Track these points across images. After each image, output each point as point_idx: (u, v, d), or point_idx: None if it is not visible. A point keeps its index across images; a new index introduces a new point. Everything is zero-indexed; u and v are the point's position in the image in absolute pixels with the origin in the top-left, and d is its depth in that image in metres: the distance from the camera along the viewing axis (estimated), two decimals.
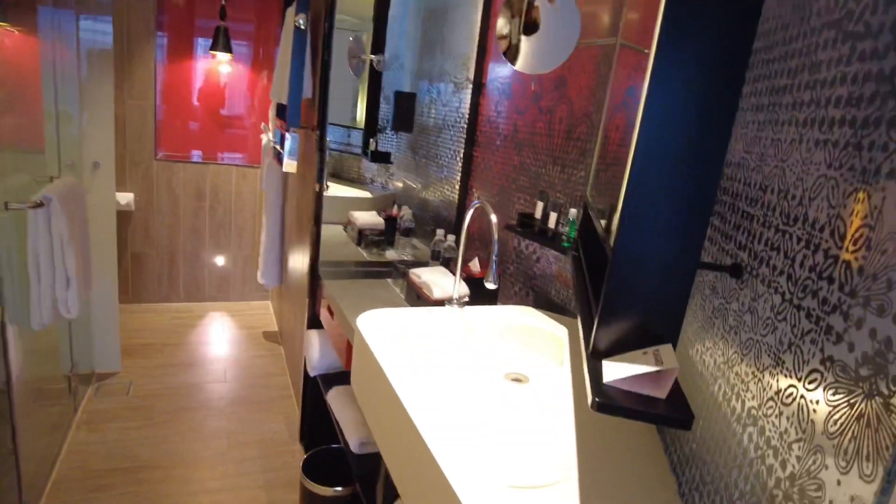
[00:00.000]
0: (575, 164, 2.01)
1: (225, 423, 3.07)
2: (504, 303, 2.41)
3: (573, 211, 1.74)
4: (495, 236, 1.44)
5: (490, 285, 1.56)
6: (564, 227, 1.74)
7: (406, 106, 2.92)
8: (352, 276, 2.52)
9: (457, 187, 2.81)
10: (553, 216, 1.82)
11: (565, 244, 1.74)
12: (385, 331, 1.54)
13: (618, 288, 0.94)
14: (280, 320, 4.13)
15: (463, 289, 1.92)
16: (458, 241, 1.93)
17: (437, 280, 2.13)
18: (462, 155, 2.76)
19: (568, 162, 2.05)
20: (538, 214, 1.89)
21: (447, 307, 1.72)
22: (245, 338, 4.13)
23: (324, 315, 2.47)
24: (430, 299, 2.06)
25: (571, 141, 2.04)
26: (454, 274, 2.24)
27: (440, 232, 2.52)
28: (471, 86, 2.67)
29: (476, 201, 1.66)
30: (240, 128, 4.64)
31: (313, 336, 2.51)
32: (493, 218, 1.45)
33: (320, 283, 2.51)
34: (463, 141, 2.74)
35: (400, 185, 3.45)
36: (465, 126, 2.72)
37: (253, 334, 4.20)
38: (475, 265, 2.26)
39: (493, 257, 1.47)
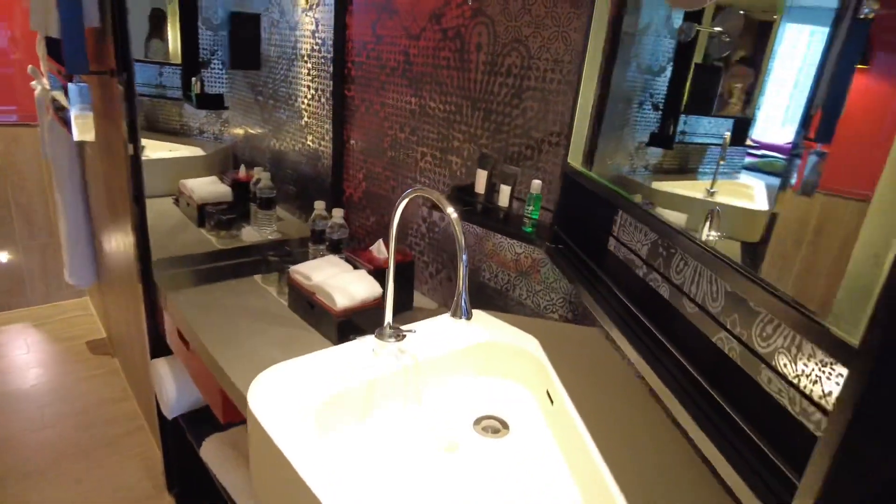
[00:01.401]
0: (506, 110, 1.50)
1: (57, 489, 2.27)
2: (419, 292, 1.91)
3: (536, 183, 1.26)
4: (460, 240, 0.92)
5: (460, 320, 1.05)
6: (529, 206, 1.26)
7: (249, 34, 2.13)
8: (202, 278, 1.83)
9: (327, 138, 2.16)
10: (504, 190, 1.32)
11: (528, 229, 1.27)
12: (295, 408, 0.98)
13: None
14: (108, 323, 3.20)
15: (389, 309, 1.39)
16: (389, 241, 1.36)
17: (337, 281, 1.55)
18: (329, 94, 2.09)
19: (495, 107, 1.53)
20: (480, 188, 1.38)
21: (375, 340, 1.19)
22: (63, 354, 3.13)
23: (174, 341, 1.78)
24: (334, 310, 1.50)
25: (497, 77, 1.51)
26: (351, 263, 1.68)
27: (319, 205, 1.90)
28: (332, 0, 1.97)
29: (412, 188, 1.11)
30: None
31: (162, 368, 1.82)
32: (451, 212, 0.92)
33: (159, 294, 1.81)
34: (329, 76, 2.07)
35: (240, 132, 2.68)
36: (330, 56, 2.04)
37: (73, 347, 3.19)
38: (379, 250, 1.72)
39: (461, 281, 0.94)
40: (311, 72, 2.15)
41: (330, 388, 1.04)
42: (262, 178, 2.15)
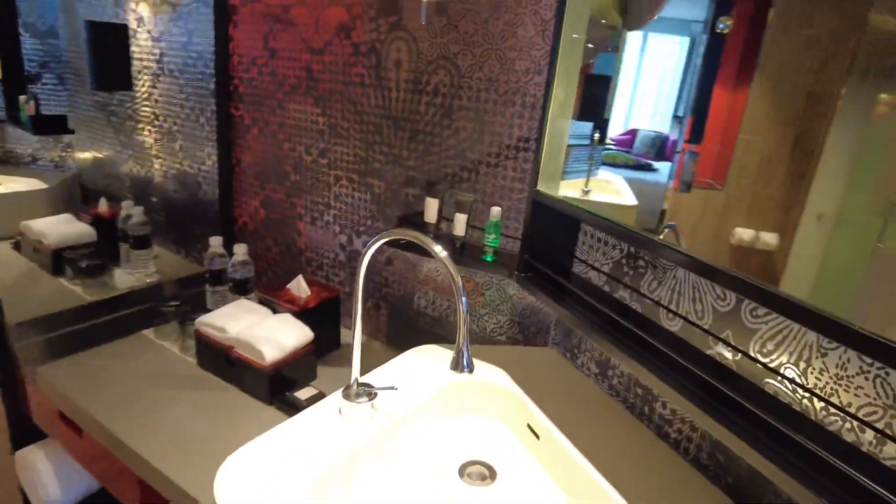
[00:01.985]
0: (435, 130, 1.42)
1: None
2: (343, 326, 1.76)
3: (496, 210, 1.19)
4: (458, 284, 0.81)
5: (462, 374, 0.95)
6: (489, 234, 1.18)
7: (113, 47, 1.79)
8: (79, 342, 1.50)
9: (209, 163, 1.90)
10: (460, 218, 1.24)
11: (488, 258, 1.20)
12: None
13: None
14: None
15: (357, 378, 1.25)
16: (356, 289, 1.22)
17: (259, 331, 1.36)
18: (211, 114, 1.85)
19: (422, 127, 1.44)
20: (431, 216, 1.28)
21: (342, 401, 1.05)
22: None
23: (51, 424, 1.44)
24: (262, 365, 1.31)
25: (422, 96, 1.43)
26: (268, 306, 1.49)
27: (216, 241, 1.66)
28: (208, 8, 1.74)
29: (388, 231, 0.99)
30: None
31: (36, 459, 1.46)
32: (440, 252, 0.82)
33: (21, 368, 1.45)
34: (209, 93, 1.83)
35: (87, 158, 2.29)
36: (210, 71, 1.80)
37: None
38: (300, 287, 1.54)
39: (461, 330, 0.83)
40: (186, 89, 1.89)
41: (308, 473, 0.89)
42: (133, 213, 1.84)
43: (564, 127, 1.03)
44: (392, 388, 1.02)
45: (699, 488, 0.93)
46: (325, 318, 1.56)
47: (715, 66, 0.91)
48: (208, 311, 1.54)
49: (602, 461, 0.94)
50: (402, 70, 1.44)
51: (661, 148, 1.04)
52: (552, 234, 1.11)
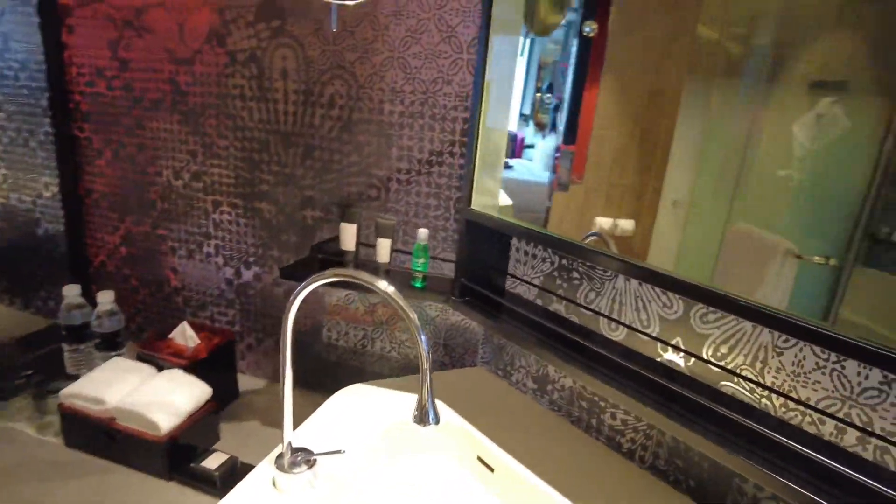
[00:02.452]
0: (333, 146, 1.29)
1: None
2: (238, 371, 1.55)
3: (423, 232, 1.09)
4: (414, 320, 0.70)
5: (428, 425, 0.83)
6: (418, 259, 1.07)
7: None
8: None
9: (47, 195, 1.58)
10: (383, 244, 1.11)
11: (418, 284, 1.09)
12: None
13: None
14: None
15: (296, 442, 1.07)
16: (284, 335, 1.03)
17: (146, 395, 1.13)
18: (45, 136, 1.53)
19: (318, 142, 1.30)
20: (349, 244, 1.14)
21: (275, 472, 0.89)
22: None
23: None
24: (157, 436, 1.09)
25: (316, 108, 1.29)
26: (149, 362, 1.27)
27: (72, 291, 1.38)
28: (28, 7, 1.43)
29: (318, 274, 0.85)
30: None
31: None
32: (386, 287, 0.70)
33: None
34: (41, 112, 1.51)
35: None
36: (38, 85, 1.49)
37: None
38: (185, 335, 1.31)
39: (424, 377, 0.72)
40: (5, 106, 1.55)
41: None
42: None
43: (500, 140, 0.97)
44: (338, 451, 0.89)
45: (662, 494, 0.93)
46: (219, 366, 1.36)
47: (583, 69, 0.93)
48: (69, 377, 1.27)
49: (563, 483, 0.90)
50: (289, 80, 1.29)
51: (512, 147, 1.04)
52: (485, 252, 1.05)
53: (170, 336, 1.34)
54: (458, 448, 1.07)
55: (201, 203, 1.46)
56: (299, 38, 1.26)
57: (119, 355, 1.32)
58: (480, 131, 0.94)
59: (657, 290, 0.94)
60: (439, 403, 1.08)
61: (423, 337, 0.75)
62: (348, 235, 1.09)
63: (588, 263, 0.99)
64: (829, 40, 0.76)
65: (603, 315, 1.01)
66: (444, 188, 1.23)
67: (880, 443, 0.70)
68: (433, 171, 1.23)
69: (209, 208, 1.45)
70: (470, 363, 1.31)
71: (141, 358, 1.29)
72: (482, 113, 0.92)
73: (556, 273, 1.07)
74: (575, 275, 1.06)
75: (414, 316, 0.75)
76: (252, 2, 1.27)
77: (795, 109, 0.78)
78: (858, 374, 0.73)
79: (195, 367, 1.25)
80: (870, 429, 0.71)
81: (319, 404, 1.10)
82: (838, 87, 0.75)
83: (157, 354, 1.28)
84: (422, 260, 1.06)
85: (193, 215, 1.48)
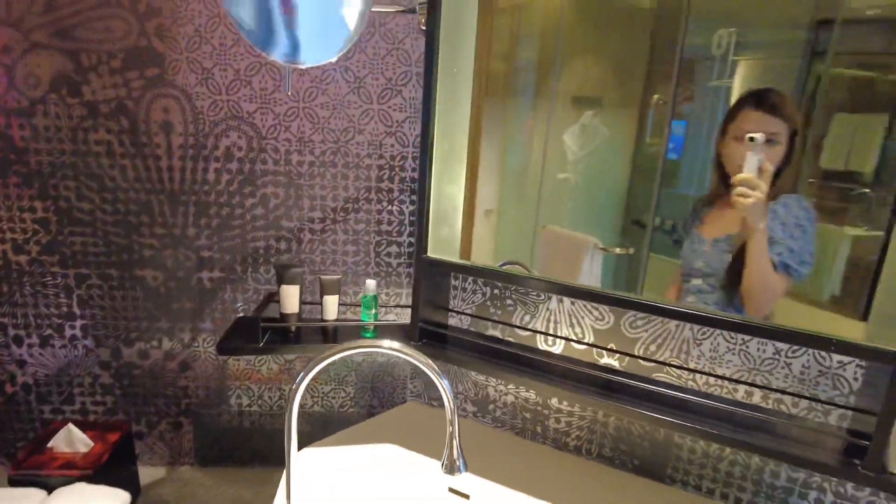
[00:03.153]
0: (234, 201, 1.19)
1: None
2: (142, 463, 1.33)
3: (371, 283, 1.06)
4: (450, 406, 0.72)
5: (458, 474, 0.82)
6: (369, 310, 1.03)
7: None
8: None
9: None
10: (331, 301, 1.05)
11: (369, 334, 1.07)
12: None
13: None
14: None
15: None
16: (289, 430, 0.91)
17: None
18: None
19: (214, 198, 1.19)
20: (291, 307, 1.04)
21: None
22: None
23: None
24: None
25: (210, 162, 1.18)
26: (35, 484, 1.06)
27: None
28: None
29: (322, 358, 0.81)
30: None
31: None
32: (444, 384, 0.70)
33: None
34: None
35: None
36: None
37: None
38: (70, 441, 1.08)
39: (453, 429, 0.73)
40: None
41: None
42: None
43: (455, 192, 1.02)
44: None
45: (612, 477, 1.09)
46: (122, 465, 1.16)
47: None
48: None
49: (536, 489, 1.01)
50: (174, 134, 1.17)
51: None
52: (431, 292, 1.10)
53: (49, 446, 1.11)
54: (427, 486, 1.10)
55: (53, 281, 1.22)
56: (184, 87, 1.14)
57: None
58: (433, 183, 0.99)
59: (590, 305, 1.09)
60: (390, 447, 1.10)
61: (449, 396, 0.78)
62: (291, 298, 1.03)
63: (513, 287, 1.10)
64: (583, 64, 1.00)
65: (539, 332, 1.14)
66: (362, 234, 1.24)
67: (776, 395, 0.94)
68: (349, 217, 1.23)
69: (71, 284, 1.22)
70: (399, 400, 1.34)
71: (17, 482, 1.04)
72: (432, 162, 0.98)
73: (488, 302, 1.17)
74: (509, 301, 1.17)
75: (446, 383, 0.78)
76: (118, 46, 1.12)
77: (564, 121, 0.99)
78: (758, 349, 0.96)
79: (100, 474, 1.06)
80: (770, 387, 0.96)
81: (235, 480, 1.04)
82: (594, 102, 1.00)
83: (40, 472, 1.05)
84: (373, 311, 1.06)
85: (46, 295, 1.23)
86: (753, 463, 0.99)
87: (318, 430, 1.36)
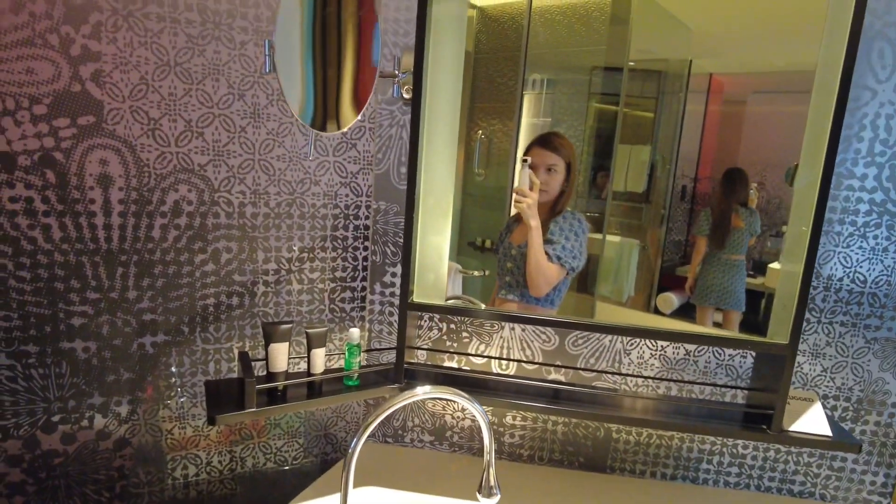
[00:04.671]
0: (181, 258, 1.11)
1: None
2: None
3: (354, 332, 1.05)
4: (486, 433, 0.79)
5: (495, 496, 0.87)
6: (352, 358, 1.02)
7: None
8: None
9: None
10: (318, 354, 1.02)
11: (353, 382, 1.07)
12: None
13: None
14: None
15: None
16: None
17: None
18: None
19: (159, 256, 1.09)
20: (280, 364, 0.98)
21: None
22: None
23: None
24: None
25: (155, 219, 1.08)
26: None
27: None
28: None
29: (373, 418, 0.83)
30: None
31: None
32: (479, 411, 0.77)
33: None
34: None
35: None
36: None
37: None
38: None
39: (491, 467, 0.79)
40: None
41: None
42: None
43: (441, 242, 1.10)
44: None
45: (563, 476, 1.28)
46: None
47: None
48: None
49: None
50: (114, 188, 1.05)
51: None
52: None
53: None
54: None
55: None
56: (126, 138, 1.04)
57: None
58: (419, 234, 1.08)
59: (539, 329, 1.26)
60: (371, 490, 1.15)
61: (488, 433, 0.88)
62: (280, 356, 1.01)
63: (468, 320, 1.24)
64: None
65: (494, 357, 1.28)
66: (317, 282, 1.25)
67: (687, 385, 1.22)
68: (304, 267, 1.23)
69: None
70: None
71: None
72: (418, 213, 1.06)
73: (444, 336, 1.29)
74: (465, 333, 1.30)
75: (487, 421, 0.88)
76: (43, 90, 0.98)
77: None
78: (674, 353, 1.24)
79: None
80: (682, 380, 1.23)
81: None
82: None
83: None
84: (357, 358, 1.09)
85: None
86: (674, 444, 1.26)
87: (267, 487, 1.31)
